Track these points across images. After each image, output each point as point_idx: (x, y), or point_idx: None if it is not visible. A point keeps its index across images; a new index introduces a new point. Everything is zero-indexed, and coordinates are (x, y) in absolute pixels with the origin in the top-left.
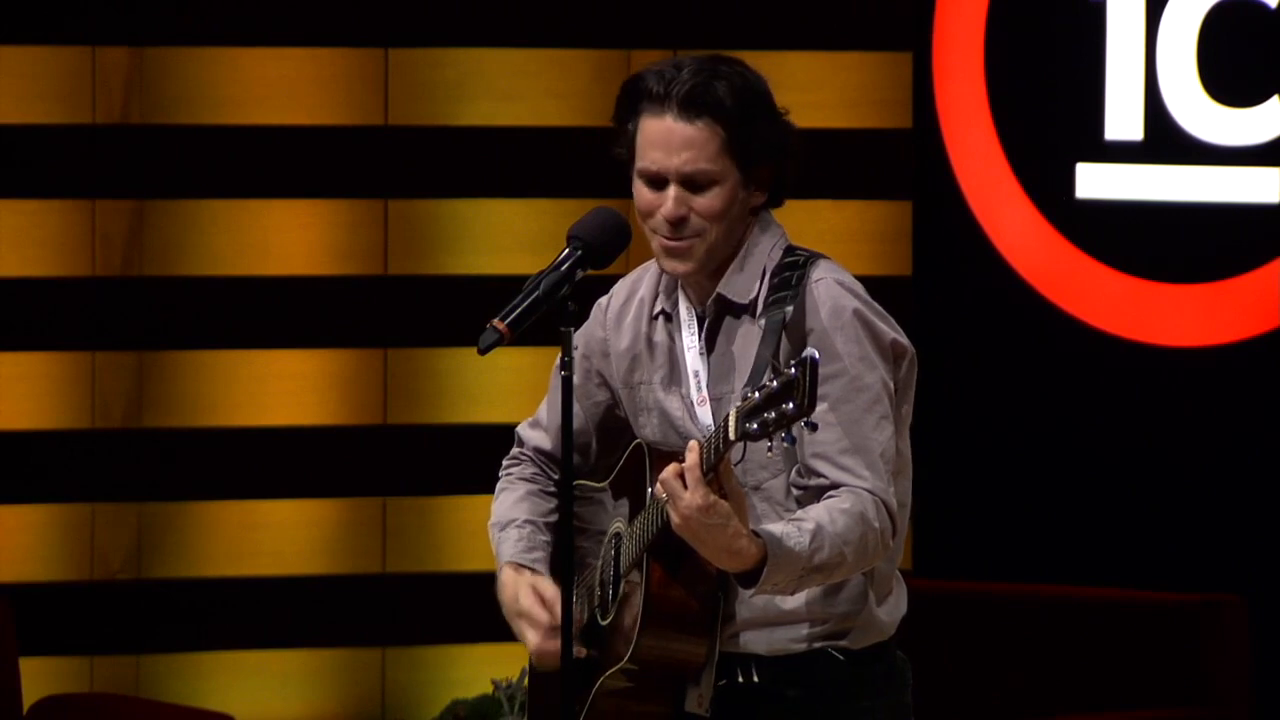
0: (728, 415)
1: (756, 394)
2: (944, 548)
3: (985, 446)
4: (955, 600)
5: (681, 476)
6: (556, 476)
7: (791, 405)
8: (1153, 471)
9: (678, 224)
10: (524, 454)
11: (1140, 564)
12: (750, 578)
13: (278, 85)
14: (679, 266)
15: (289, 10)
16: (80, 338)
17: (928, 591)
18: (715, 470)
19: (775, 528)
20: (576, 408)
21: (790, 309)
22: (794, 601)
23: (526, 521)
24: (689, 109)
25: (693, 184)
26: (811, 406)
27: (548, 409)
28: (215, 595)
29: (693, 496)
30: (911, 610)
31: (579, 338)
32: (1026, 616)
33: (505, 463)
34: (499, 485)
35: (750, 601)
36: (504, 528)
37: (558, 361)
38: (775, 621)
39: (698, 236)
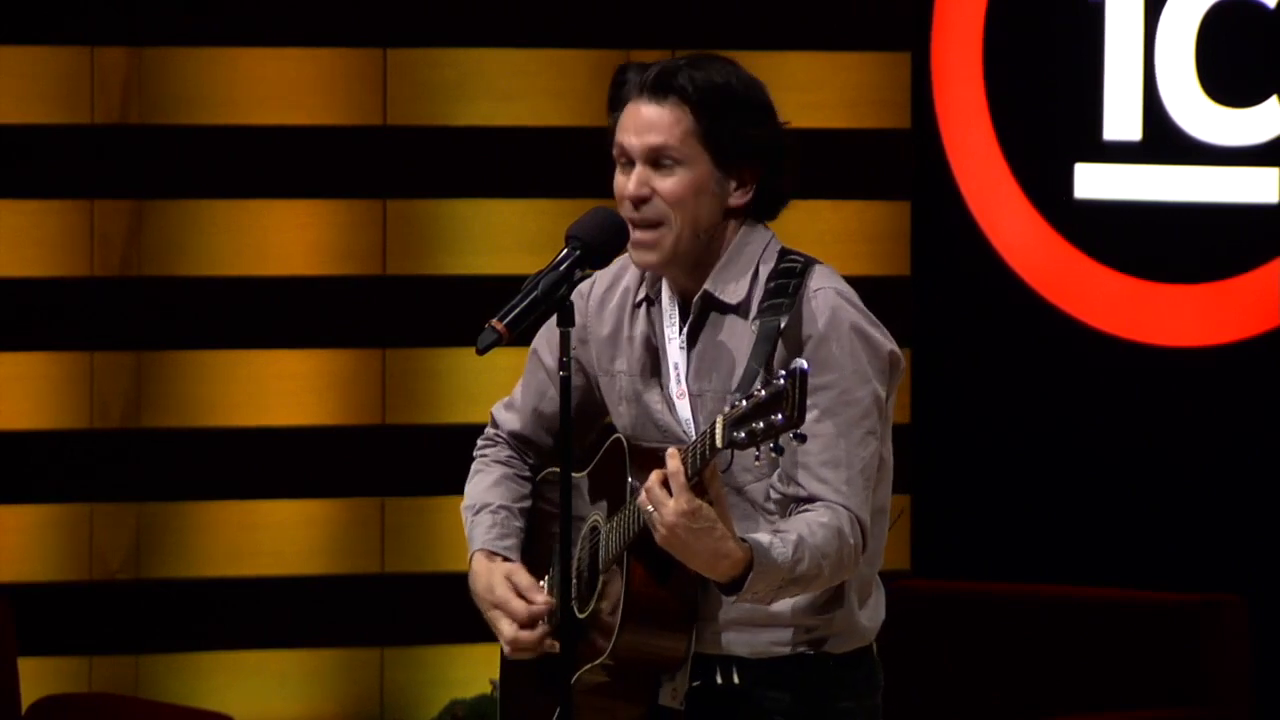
0: (715, 422)
1: (744, 402)
2: (943, 548)
3: (985, 446)
4: (955, 600)
5: (665, 483)
6: (531, 460)
7: (780, 417)
8: (1153, 471)
9: (638, 204)
10: (499, 435)
11: (1140, 564)
12: (733, 586)
13: (277, 85)
14: (645, 257)
15: (289, 10)
16: (79, 338)
17: (928, 591)
18: (700, 476)
19: (760, 537)
20: (550, 393)
21: (786, 317)
22: (780, 605)
23: (501, 507)
24: (656, 90)
25: (656, 163)
26: (801, 419)
27: (522, 391)
28: (214, 595)
29: (677, 502)
30: (911, 610)
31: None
32: (1026, 616)
33: (480, 443)
34: (473, 467)
35: (738, 605)
36: (477, 512)
37: (534, 344)
38: (761, 624)
39: (663, 224)
